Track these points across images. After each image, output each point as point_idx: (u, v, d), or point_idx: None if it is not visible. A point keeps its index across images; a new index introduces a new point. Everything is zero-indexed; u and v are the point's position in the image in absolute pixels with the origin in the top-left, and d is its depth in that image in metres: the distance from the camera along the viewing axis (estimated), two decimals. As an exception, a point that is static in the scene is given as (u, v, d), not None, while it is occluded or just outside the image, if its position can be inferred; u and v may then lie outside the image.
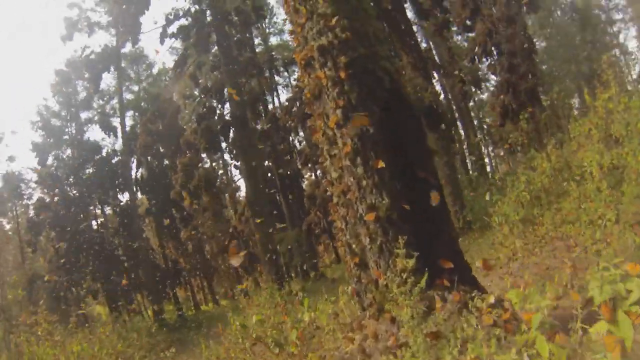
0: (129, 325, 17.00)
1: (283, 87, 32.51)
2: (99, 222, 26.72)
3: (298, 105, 26.27)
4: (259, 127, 25.45)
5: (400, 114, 4.71)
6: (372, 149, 4.42)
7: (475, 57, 17.24)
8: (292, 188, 27.68)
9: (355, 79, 4.56)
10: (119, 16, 20.36)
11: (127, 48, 25.36)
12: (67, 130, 27.30)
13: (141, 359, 11.39)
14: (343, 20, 4.54)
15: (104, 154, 26.26)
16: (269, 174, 26.79)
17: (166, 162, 25.19)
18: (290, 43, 31.97)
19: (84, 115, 28.51)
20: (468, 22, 17.36)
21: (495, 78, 18.34)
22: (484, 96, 31.09)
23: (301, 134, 27.57)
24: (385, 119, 4.53)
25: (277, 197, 26.99)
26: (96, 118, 27.85)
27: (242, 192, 26.78)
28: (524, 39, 15.30)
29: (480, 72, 23.29)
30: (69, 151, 26.08)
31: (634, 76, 29.32)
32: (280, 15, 28.50)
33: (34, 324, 9.57)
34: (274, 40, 32.05)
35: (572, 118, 12.05)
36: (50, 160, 25.71)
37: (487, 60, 17.22)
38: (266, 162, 26.27)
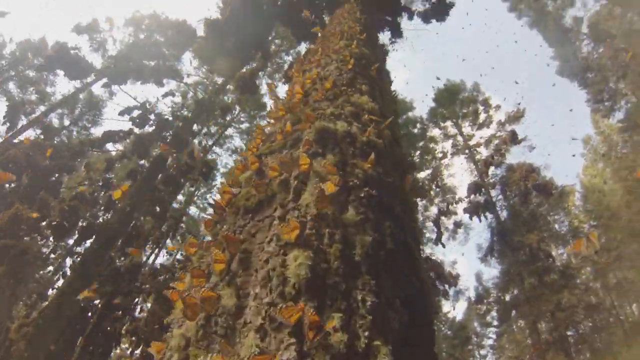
0: None
1: (166, 252, 29.62)
2: None
3: (166, 277, 23.58)
4: (118, 262, 21.81)
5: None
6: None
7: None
8: (102, 348, 22.10)
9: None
10: (120, 57, 19.51)
11: (98, 88, 23.67)
12: None
13: None
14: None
15: None
16: (89, 315, 21.53)
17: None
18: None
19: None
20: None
21: None
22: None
23: (147, 305, 23.77)
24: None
25: (74, 343, 21.17)
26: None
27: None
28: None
29: None
30: None
31: None
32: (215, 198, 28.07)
33: None
34: (193, 210, 30.32)
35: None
36: None
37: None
38: (98, 302, 21.59)
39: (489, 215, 19.70)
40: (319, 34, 9.31)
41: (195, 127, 21.99)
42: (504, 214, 20.36)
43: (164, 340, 2.44)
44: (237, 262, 2.41)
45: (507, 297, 20.31)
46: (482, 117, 24.63)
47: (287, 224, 2.26)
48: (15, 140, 19.40)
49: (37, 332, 14.68)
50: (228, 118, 27.38)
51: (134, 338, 22.86)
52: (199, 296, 2.25)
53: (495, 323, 22.80)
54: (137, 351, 22.62)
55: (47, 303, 19.65)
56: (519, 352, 21.85)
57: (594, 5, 26.80)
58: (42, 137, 22.07)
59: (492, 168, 20.27)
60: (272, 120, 3.92)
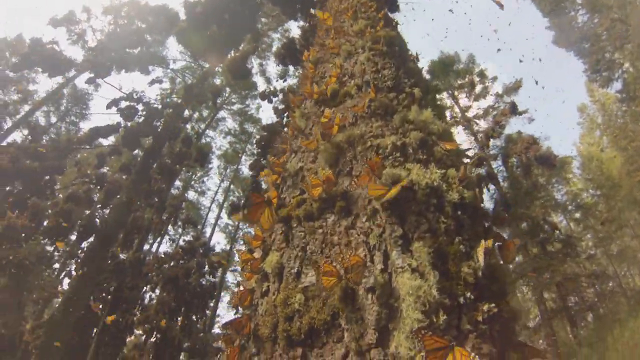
0: None
1: (170, 239, 28.70)
2: None
3: (171, 265, 22.85)
4: (121, 256, 20.92)
5: None
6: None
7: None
8: (113, 339, 21.76)
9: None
10: (103, 49, 17.66)
11: (81, 82, 21.70)
12: None
13: None
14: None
15: None
16: (100, 307, 20.93)
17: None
18: (202, 208, 30.25)
19: None
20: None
21: None
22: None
23: (157, 292, 23.06)
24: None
25: (91, 337, 20.82)
26: None
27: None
28: None
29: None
30: None
31: None
32: (213, 180, 27.42)
33: None
34: (191, 195, 29.51)
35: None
36: None
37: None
38: (103, 294, 20.88)
39: (492, 187, 18.74)
40: (319, 10, 7.83)
41: (186, 112, 20.56)
42: (505, 186, 19.41)
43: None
44: None
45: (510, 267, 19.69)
46: (479, 88, 23.33)
47: None
48: (3, 143, 17.91)
49: (50, 332, 14.36)
50: (219, 101, 25.89)
51: (146, 326, 22.32)
52: None
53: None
54: (152, 339, 22.22)
55: (57, 304, 18.81)
56: (525, 320, 21.44)
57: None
58: (29, 137, 20.52)
59: (492, 140, 19.19)
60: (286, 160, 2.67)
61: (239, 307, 1.78)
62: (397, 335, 1.37)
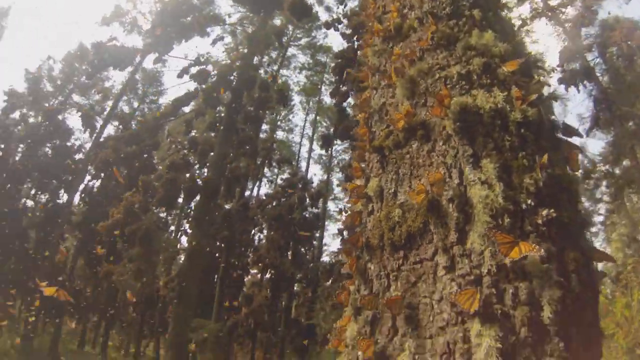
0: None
1: (268, 180, 30.49)
2: (24, 202, 23.02)
3: (274, 204, 24.48)
4: (227, 206, 23.13)
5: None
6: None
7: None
8: (233, 280, 24.58)
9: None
10: (155, 30, 18.84)
11: (149, 64, 23.52)
12: (52, 100, 24.26)
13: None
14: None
15: (69, 144, 23.20)
16: (217, 255, 23.57)
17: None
18: (293, 145, 31.64)
19: (76, 98, 26.29)
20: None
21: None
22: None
23: (265, 232, 25.31)
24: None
25: (214, 281, 23.41)
26: (85, 108, 25.13)
27: (182, 258, 23.32)
28: None
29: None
30: (39, 119, 22.71)
31: None
32: (298, 115, 28.15)
33: None
34: (280, 134, 30.79)
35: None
36: (16, 115, 22.40)
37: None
38: (218, 243, 23.40)
39: (588, 84, 17.01)
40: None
41: (255, 59, 21.08)
42: (605, 80, 17.40)
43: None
44: (404, 320, 1.87)
45: (618, 171, 18.13)
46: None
47: (463, 292, 1.74)
48: (101, 139, 20.44)
49: (182, 283, 15.78)
50: (284, 40, 26.13)
51: (260, 265, 24.98)
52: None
53: (605, 199, 20.81)
54: (267, 275, 24.91)
55: (181, 260, 21.80)
56: (632, 228, 19.93)
57: None
58: (120, 127, 22.99)
59: (583, 29, 17.08)
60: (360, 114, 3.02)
61: (350, 228, 2.31)
62: (472, 235, 1.82)
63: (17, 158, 21.79)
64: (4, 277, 19.15)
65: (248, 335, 24.18)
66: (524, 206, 1.86)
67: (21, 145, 22.12)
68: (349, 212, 2.41)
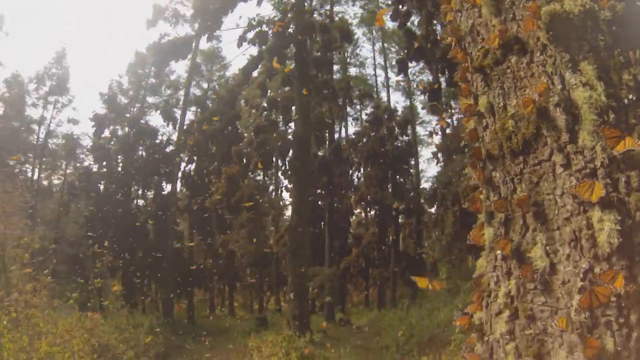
0: (134, 316, 16.07)
1: (353, 119, 30.46)
2: (136, 202, 26.08)
3: (365, 141, 24.70)
4: (320, 153, 23.85)
5: None
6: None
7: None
8: (339, 223, 25.85)
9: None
10: (201, 10, 19.27)
11: (204, 45, 24.44)
12: (130, 109, 27.00)
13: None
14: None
15: (158, 140, 25.65)
16: (319, 202, 24.81)
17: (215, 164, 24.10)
18: (369, 77, 31.20)
19: (150, 99, 28.62)
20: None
21: None
22: None
23: (361, 170, 26.01)
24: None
25: (321, 228, 25.16)
26: (161, 105, 27.51)
27: (287, 214, 24.95)
28: None
29: None
30: (126, 129, 25.22)
31: None
32: (365, 48, 27.38)
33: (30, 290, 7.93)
34: (353, 71, 30.43)
35: None
36: (106, 133, 25.13)
37: None
38: (319, 191, 24.36)
39: None
40: None
41: (306, 4, 20.78)
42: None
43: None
44: (533, 216, 2.24)
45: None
46: None
47: (581, 185, 2.01)
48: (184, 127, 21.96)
49: (292, 235, 16.56)
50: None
51: (362, 203, 25.76)
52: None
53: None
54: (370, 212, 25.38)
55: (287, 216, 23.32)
56: None
57: None
58: (198, 110, 24.58)
59: None
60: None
61: (469, 143, 2.62)
62: (582, 133, 2.04)
63: (119, 168, 24.51)
64: (141, 268, 21.94)
65: (360, 275, 25.55)
66: (625, 101, 2.05)
67: (119, 157, 24.75)
68: (467, 130, 2.71)
